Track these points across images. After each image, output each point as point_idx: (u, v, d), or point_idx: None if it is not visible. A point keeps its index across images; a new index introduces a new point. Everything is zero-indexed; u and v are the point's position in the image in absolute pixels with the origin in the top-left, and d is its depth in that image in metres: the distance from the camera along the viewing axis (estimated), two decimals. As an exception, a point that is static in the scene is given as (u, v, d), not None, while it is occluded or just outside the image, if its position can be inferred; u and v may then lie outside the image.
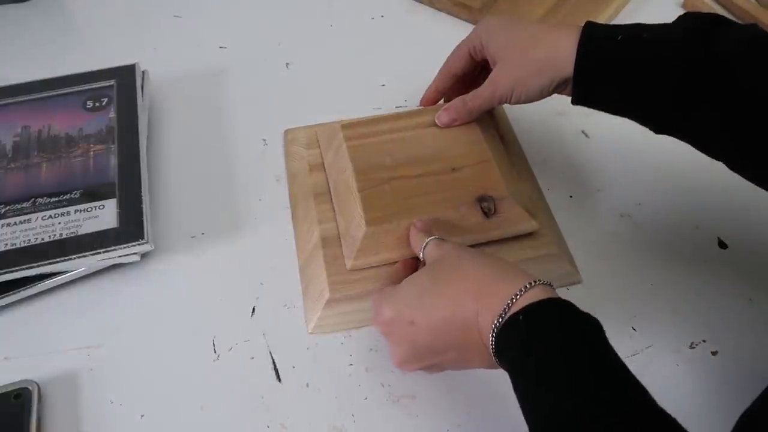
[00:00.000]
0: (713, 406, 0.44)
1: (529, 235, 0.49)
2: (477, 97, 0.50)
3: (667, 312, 0.48)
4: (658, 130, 0.45)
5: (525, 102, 0.49)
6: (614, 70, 0.44)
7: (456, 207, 0.48)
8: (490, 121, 0.57)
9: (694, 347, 0.47)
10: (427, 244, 0.44)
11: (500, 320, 0.36)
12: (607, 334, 0.47)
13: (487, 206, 0.48)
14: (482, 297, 0.37)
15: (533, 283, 0.36)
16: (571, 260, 0.51)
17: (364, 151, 0.51)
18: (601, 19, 0.69)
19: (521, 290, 0.36)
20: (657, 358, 0.46)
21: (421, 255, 0.44)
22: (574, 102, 0.47)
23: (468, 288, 0.38)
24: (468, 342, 0.38)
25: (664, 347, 0.47)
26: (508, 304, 0.36)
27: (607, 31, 0.45)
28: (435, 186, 0.49)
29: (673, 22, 0.43)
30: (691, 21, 0.43)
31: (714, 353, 0.46)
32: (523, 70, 0.47)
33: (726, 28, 0.42)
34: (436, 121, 0.52)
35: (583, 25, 0.45)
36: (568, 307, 0.36)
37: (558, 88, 0.47)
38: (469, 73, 0.54)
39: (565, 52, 0.45)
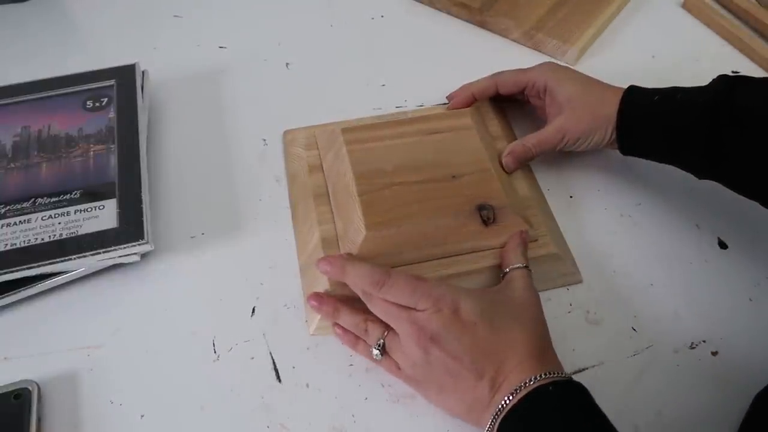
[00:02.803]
0: (713, 406, 0.44)
1: (529, 235, 0.49)
2: (542, 143, 0.54)
3: (667, 312, 0.48)
4: (699, 176, 0.49)
5: (583, 150, 0.54)
6: (651, 124, 0.50)
7: (455, 214, 0.48)
8: (489, 130, 0.58)
9: (694, 347, 0.47)
10: (519, 268, 0.45)
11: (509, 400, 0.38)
12: (607, 334, 0.47)
13: (486, 214, 0.48)
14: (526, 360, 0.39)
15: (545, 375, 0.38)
16: (572, 260, 0.51)
17: (365, 156, 0.52)
18: (601, 19, 0.69)
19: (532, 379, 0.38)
20: (657, 358, 0.46)
21: (508, 269, 0.46)
22: (622, 152, 0.52)
23: (520, 340, 0.40)
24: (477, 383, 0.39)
25: (664, 347, 0.47)
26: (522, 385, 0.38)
27: (645, 92, 0.51)
28: (435, 193, 0.49)
29: (707, 85, 0.48)
30: (721, 81, 0.48)
31: (714, 353, 0.46)
32: (592, 124, 0.52)
33: (750, 84, 0.47)
34: (504, 165, 0.54)
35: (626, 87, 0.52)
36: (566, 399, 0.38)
37: (612, 140, 0.52)
38: (511, 96, 0.59)
39: (615, 110, 0.51)
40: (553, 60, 0.67)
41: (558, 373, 0.38)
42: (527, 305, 0.43)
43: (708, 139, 0.46)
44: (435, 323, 0.40)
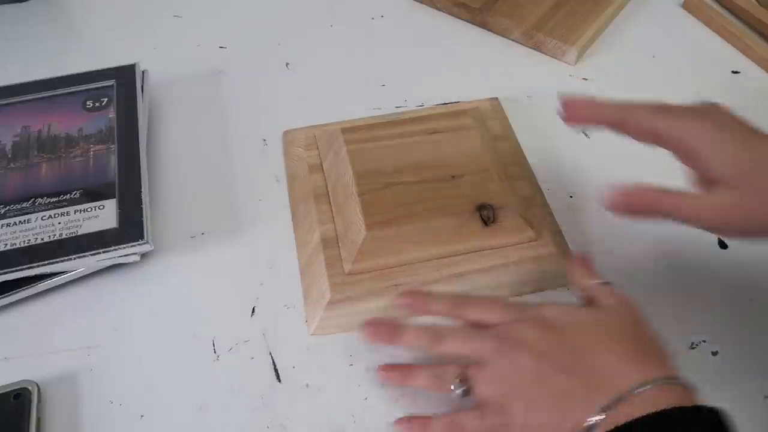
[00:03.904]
0: (713, 406, 0.44)
1: (529, 235, 0.49)
2: (701, 218, 0.40)
3: (667, 312, 0.48)
4: None
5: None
6: None
7: (455, 214, 0.48)
8: (489, 130, 0.58)
9: (694, 347, 0.47)
10: (602, 285, 0.42)
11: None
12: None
13: (486, 214, 0.48)
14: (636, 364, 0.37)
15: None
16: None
17: (364, 156, 0.52)
18: (601, 19, 0.69)
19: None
20: (657, 358, 0.46)
21: (583, 291, 0.43)
22: None
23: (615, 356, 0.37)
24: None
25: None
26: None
27: None
28: (435, 193, 0.49)
29: None
30: None
31: (714, 353, 0.46)
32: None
33: None
34: (609, 204, 0.42)
35: None
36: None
37: None
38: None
39: None
40: (554, 58, 0.67)
41: (673, 379, 0.36)
42: (620, 314, 0.40)
43: None
44: (520, 330, 0.39)
